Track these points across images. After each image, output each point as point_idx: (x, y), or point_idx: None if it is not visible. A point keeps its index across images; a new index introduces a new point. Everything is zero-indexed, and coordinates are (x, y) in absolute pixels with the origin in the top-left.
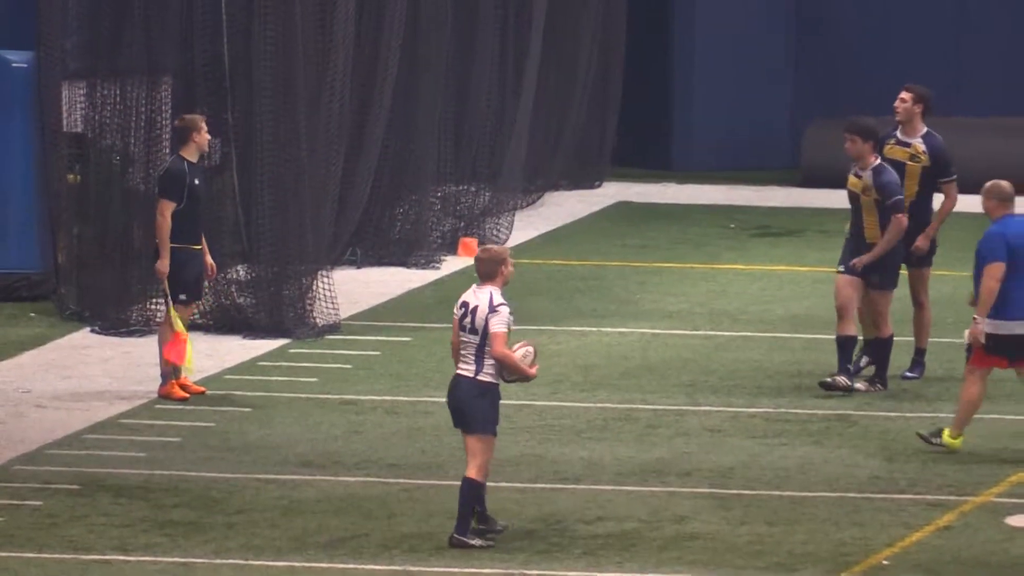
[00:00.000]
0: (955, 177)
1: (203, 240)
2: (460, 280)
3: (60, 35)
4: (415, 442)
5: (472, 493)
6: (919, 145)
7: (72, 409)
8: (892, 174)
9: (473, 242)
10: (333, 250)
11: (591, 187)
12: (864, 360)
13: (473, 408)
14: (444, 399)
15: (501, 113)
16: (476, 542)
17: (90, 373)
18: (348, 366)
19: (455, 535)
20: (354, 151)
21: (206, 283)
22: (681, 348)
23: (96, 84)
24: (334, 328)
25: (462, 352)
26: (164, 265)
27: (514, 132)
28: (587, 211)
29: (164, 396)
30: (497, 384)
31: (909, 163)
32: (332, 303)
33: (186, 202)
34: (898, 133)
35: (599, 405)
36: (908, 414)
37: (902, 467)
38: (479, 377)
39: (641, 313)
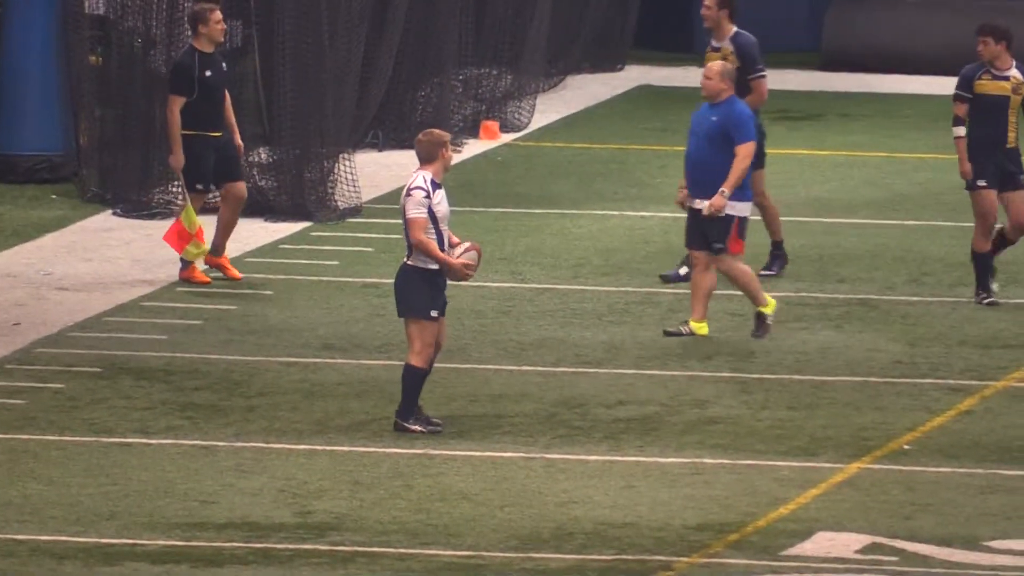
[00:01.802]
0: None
1: (230, 123)
2: (482, 163)
3: None
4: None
5: (411, 379)
6: (728, 47)
7: (93, 292)
8: None
9: (495, 125)
10: (355, 133)
11: (613, 70)
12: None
13: (401, 292)
14: (468, 284)
15: None
16: (416, 427)
17: (112, 256)
18: (369, 249)
19: (396, 419)
20: (375, 33)
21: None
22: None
23: None
24: (355, 211)
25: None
26: (176, 159)
27: (535, 14)
28: (609, 94)
29: (186, 279)
30: (427, 268)
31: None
32: (353, 186)
33: (197, 93)
34: (713, 41)
35: (621, 289)
36: (929, 298)
37: (924, 351)
38: (408, 261)
39: (662, 197)
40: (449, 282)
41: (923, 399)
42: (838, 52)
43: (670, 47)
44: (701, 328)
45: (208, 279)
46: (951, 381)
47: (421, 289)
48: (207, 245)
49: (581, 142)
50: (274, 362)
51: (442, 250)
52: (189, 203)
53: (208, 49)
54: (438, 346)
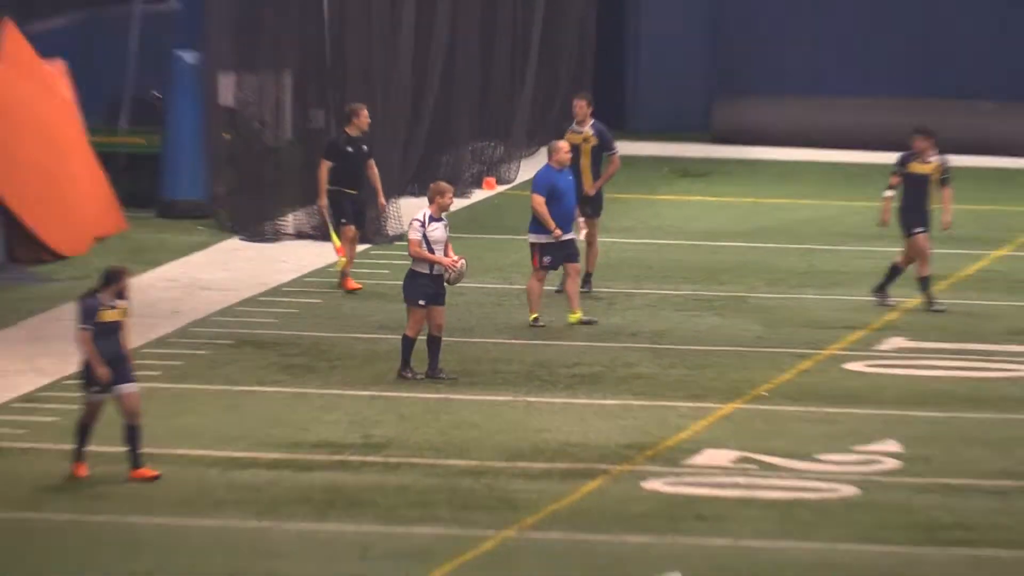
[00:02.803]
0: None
1: (374, 185)
2: (484, 207)
3: (217, 41)
4: (453, 312)
5: (405, 344)
6: (589, 131)
7: (227, 291)
8: None
9: (493, 180)
10: (399, 185)
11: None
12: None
13: (404, 287)
14: (474, 285)
15: (511, 89)
16: (407, 374)
17: (238, 267)
18: (409, 263)
19: (399, 371)
20: (414, 118)
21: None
22: (630, 251)
23: (241, 75)
24: (400, 238)
25: None
26: (321, 201)
27: (520, 102)
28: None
29: (342, 287)
30: (421, 272)
31: (583, 144)
32: (398, 220)
33: (340, 162)
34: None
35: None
36: (781, 296)
37: (776, 331)
38: (411, 267)
39: (604, 228)
40: (452, 286)
41: (776, 362)
42: (722, 131)
43: (609, 125)
44: (573, 316)
45: (359, 285)
46: (795, 350)
47: (415, 286)
48: (344, 261)
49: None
50: (347, 337)
51: (429, 257)
52: (332, 231)
53: (354, 133)
54: (438, 327)
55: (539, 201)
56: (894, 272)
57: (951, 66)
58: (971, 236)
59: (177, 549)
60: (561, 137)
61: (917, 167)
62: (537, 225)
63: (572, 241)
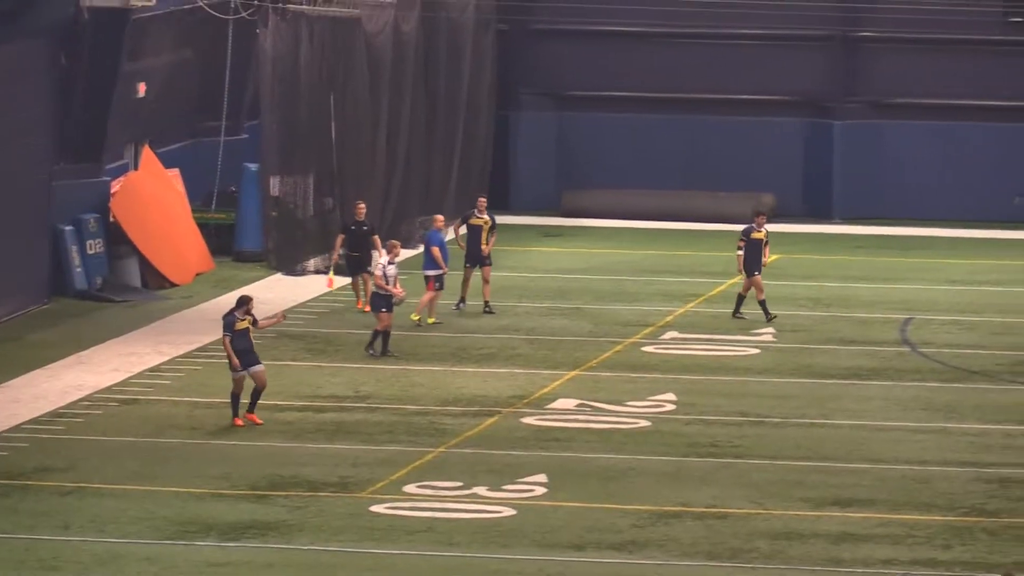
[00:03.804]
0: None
1: (377, 249)
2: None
3: (268, 158)
4: (401, 317)
5: (373, 334)
6: (486, 217)
7: (273, 305)
8: None
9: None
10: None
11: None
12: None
13: (371, 302)
14: (412, 301)
15: (442, 184)
16: (370, 351)
17: (280, 290)
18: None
19: (365, 348)
20: (385, 201)
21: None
22: (513, 281)
23: (283, 176)
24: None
25: None
26: (334, 256)
27: (446, 193)
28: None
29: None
30: (380, 294)
31: (483, 224)
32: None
33: (349, 235)
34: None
35: (499, 303)
36: (607, 307)
37: (603, 327)
38: (374, 291)
39: (496, 267)
40: (398, 304)
41: (600, 346)
42: (568, 208)
43: (497, 206)
44: (430, 320)
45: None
46: (612, 339)
47: (377, 301)
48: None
49: (454, 246)
50: (344, 332)
51: (387, 288)
52: (331, 272)
53: (359, 217)
54: (388, 326)
55: (435, 250)
56: (739, 299)
57: (706, 167)
58: (718, 270)
59: (240, 460)
60: (470, 216)
61: (755, 234)
62: (430, 263)
63: (443, 275)
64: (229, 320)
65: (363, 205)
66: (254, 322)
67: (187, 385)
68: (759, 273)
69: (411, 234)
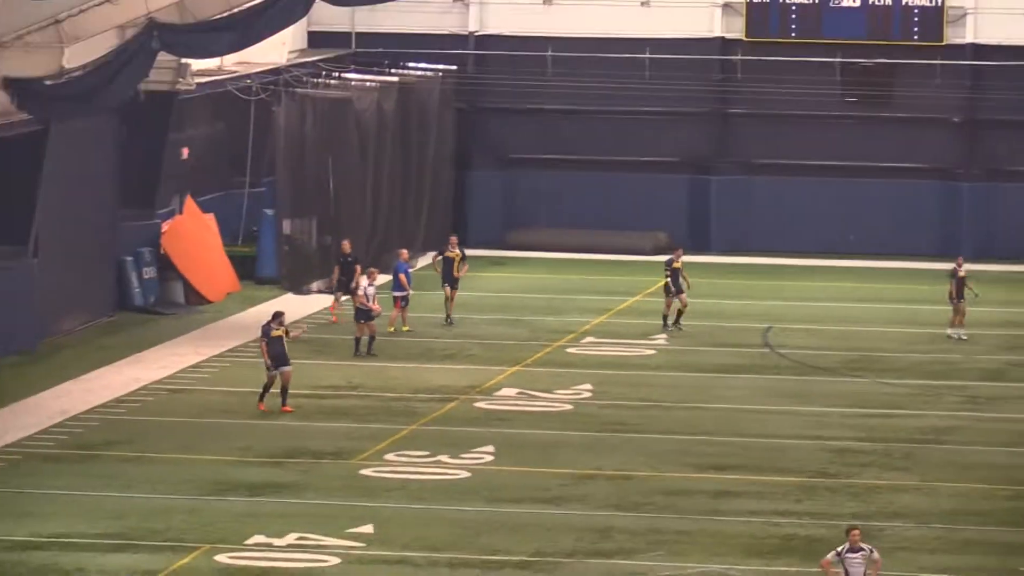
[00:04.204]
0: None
1: (358, 281)
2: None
3: (282, 204)
4: (409, 335)
5: (356, 340)
6: (458, 252)
7: (289, 316)
8: None
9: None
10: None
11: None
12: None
13: (355, 315)
14: (388, 313)
15: (415, 223)
16: (358, 352)
17: (292, 306)
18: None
19: (354, 352)
20: (371, 237)
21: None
22: (469, 300)
23: (293, 220)
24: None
25: None
26: (332, 282)
27: (417, 230)
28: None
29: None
30: (361, 309)
31: (456, 257)
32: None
33: (341, 266)
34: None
35: (460, 316)
36: (529, 318)
37: (536, 334)
38: (357, 307)
39: (460, 289)
40: (376, 317)
41: (534, 347)
42: (513, 243)
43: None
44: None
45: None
46: (544, 342)
47: (359, 314)
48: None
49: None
50: (338, 338)
51: (367, 304)
52: (334, 298)
53: (346, 251)
54: (372, 333)
55: (402, 276)
56: (665, 317)
57: (616, 211)
58: (624, 290)
59: (261, 435)
60: (445, 250)
61: (675, 264)
62: (397, 286)
63: (408, 295)
64: (266, 329)
65: (346, 242)
66: (287, 332)
67: (220, 378)
68: (680, 293)
69: (390, 263)
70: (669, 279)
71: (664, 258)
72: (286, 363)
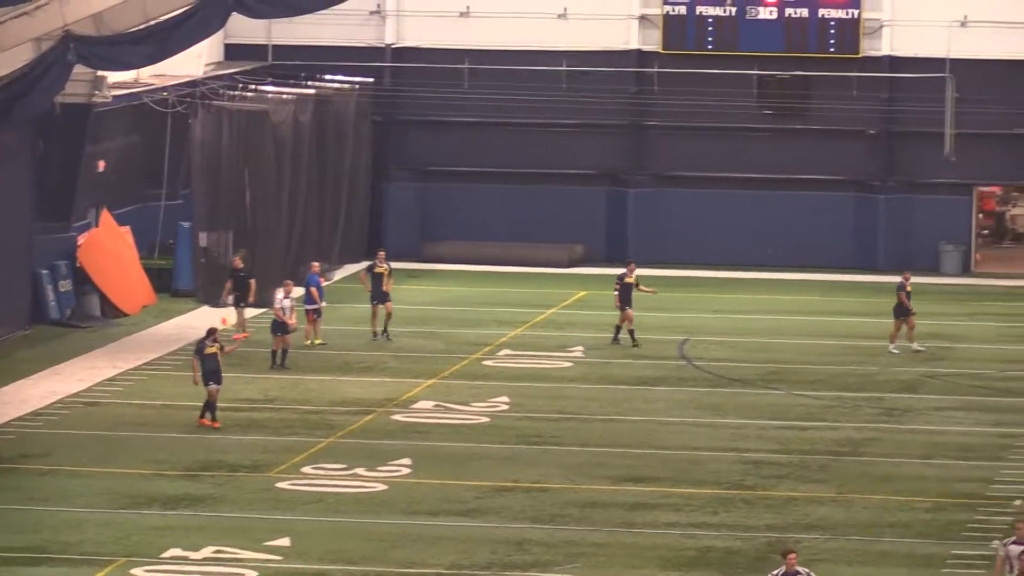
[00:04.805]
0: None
1: (251, 289)
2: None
3: (199, 217)
4: (324, 347)
5: (272, 353)
6: (385, 266)
7: (200, 329)
8: None
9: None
10: (277, 282)
11: (357, 262)
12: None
13: (271, 328)
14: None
15: (331, 238)
16: (274, 364)
17: (208, 320)
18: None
19: (270, 365)
20: (286, 251)
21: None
22: (400, 308)
23: (209, 232)
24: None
25: None
26: (225, 296)
27: (334, 246)
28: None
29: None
30: (277, 321)
31: (385, 271)
32: (271, 299)
33: (233, 281)
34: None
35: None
36: (457, 331)
37: (452, 346)
38: (274, 319)
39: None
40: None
41: (451, 360)
42: (427, 256)
43: (372, 254)
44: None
45: (247, 335)
46: (460, 355)
47: (274, 327)
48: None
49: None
50: (253, 351)
51: (284, 319)
52: (235, 310)
53: (238, 267)
54: (287, 345)
55: (313, 289)
56: (617, 329)
57: (532, 224)
58: (540, 303)
59: (177, 448)
60: (374, 266)
61: (627, 279)
62: (309, 299)
63: (319, 308)
64: (200, 345)
65: (238, 259)
66: (221, 348)
67: (137, 391)
68: (630, 308)
69: (302, 276)
70: (618, 293)
71: (561, 270)
72: (219, 380)
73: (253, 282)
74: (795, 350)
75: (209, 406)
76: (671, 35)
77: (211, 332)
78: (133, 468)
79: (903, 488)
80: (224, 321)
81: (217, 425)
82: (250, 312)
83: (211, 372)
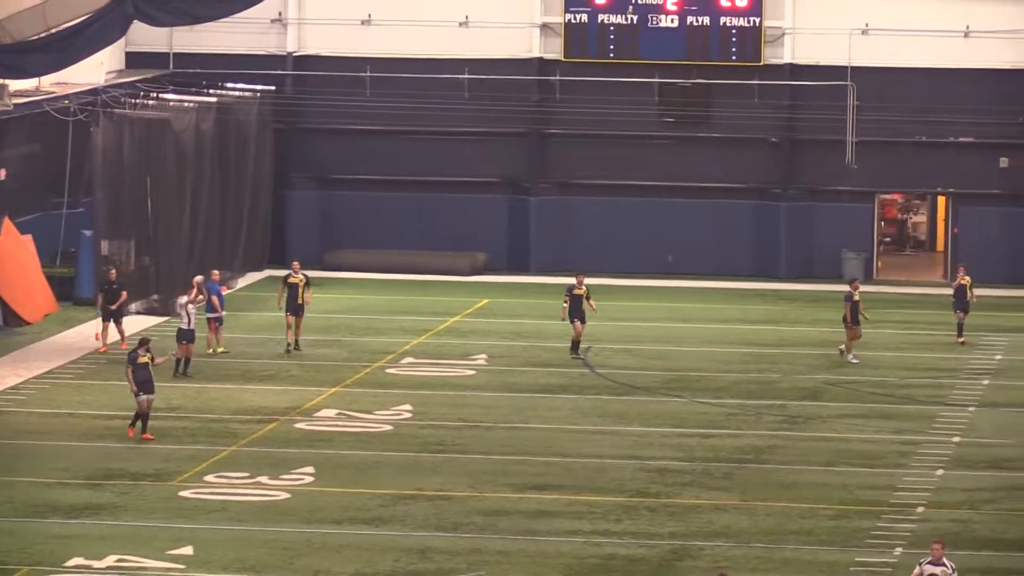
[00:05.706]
0: None
1: (122, 299)
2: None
3: (101, 226)
4: (227, 356)
5: (176, 361)
6: (302, 277)
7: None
8: None
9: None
10: (182, 289)
11: (261, 270)
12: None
13: (177, 336)
14: (204, 334)
15: (233, 248)
16: (178, 372)
17: (110, 328)
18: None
19: (173, 373)
20: (189, 258)
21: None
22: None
23: (111, 240)
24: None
25: None
26: (99, 305)
27: (236, 256)
28: (258, 279)
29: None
30: (182, 328)
31: (300, 282)
32: (168, 306)
33: (104, 292)
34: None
35: (316, 336)
36: (361, 339)
37: (356, 354)
38: (179, 327)
39: (273, 310)
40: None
41: (355, 368)
42: (330, 264)
43: (273, 262)
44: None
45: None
46: (363, 363)
47: (180, 334)
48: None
49: (269, 292)
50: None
51: (189, 327)
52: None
53: (112, 279)
54: (190, 354)
55: (214, 298)
56: (573, 342)
57: (434, 232)
58: (443, 311)
59: (79, 457)
60: (288, 277)
61: (577, 291)
62: (210, 307)
63: (221, 316)
64: (132, 355)
65: (114, 271)
66: (152, 359)
67: (39, 400)
68: (582, 321)
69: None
70: (567, 306)
71: (462, 278)
72: (151, 390)
73: (125, 293)
74: (697, 358)
75: (141, 417)
76: (573, 43)
77: (143, 342)
78: (35, 477)
79: (806, 495)
80: (97, 336)
81: (150, 437)
82: (152, 320)
83: (143, 383)
